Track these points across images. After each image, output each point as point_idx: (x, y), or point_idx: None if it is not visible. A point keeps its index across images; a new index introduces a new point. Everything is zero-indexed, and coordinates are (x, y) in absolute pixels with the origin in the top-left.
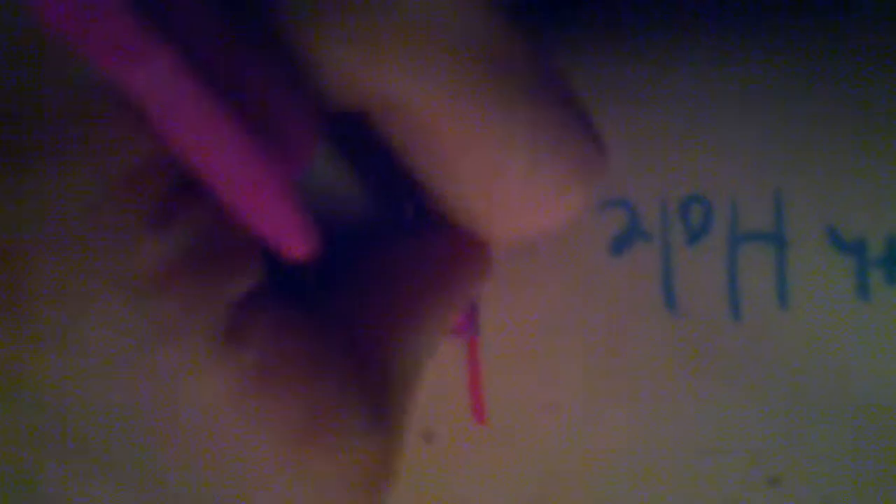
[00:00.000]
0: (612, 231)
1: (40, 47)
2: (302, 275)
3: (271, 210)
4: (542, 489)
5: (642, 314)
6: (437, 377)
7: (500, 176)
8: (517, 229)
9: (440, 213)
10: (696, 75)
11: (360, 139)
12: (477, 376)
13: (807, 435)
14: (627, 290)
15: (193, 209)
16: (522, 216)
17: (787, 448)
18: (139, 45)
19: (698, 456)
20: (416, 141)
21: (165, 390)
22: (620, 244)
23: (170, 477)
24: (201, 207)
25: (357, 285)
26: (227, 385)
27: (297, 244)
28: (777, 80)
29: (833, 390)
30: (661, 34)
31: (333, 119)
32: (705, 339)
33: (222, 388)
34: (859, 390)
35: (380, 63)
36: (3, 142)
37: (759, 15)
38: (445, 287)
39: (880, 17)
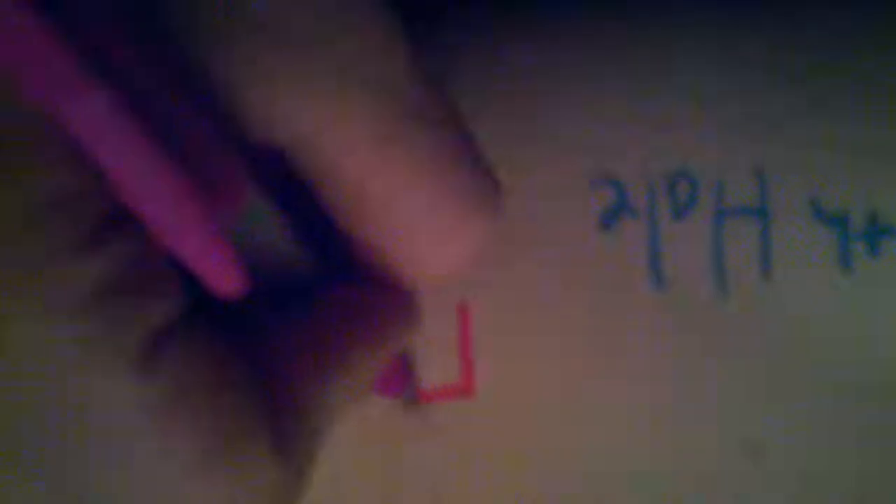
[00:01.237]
0: (600, 208)
1: None
2: (231, 309)
3: (200, 246)
4: (528, 462)
5: (630, 288)
6: (429, 349)
7: (407, 215)
8: (427, 265)
9: (362, 259)
10: (681, 54)
11: (291, 186)
12: (468, 350)
13: (791, 405)
14: (616, 266)
15: (120, 237)
16: (429, 249)
17: (771, 418)
18: (76, 82)
19: (684, 427)
20: (328, 180)
21: (83, 406)
22: (608, 220)
23: (88, 484)
24: (128, 236)
25: (282, 329)
26: (140, 405)
27: (224, 280)
28: (760, 58)
29: (816, 361)
30: (646, 16)
31: (260, 162)
32: (692, 312)
33: (135, 407)
34: (842, 360)
35: (291, 106)
36: None
37: None
38: (369, 335)
39: None
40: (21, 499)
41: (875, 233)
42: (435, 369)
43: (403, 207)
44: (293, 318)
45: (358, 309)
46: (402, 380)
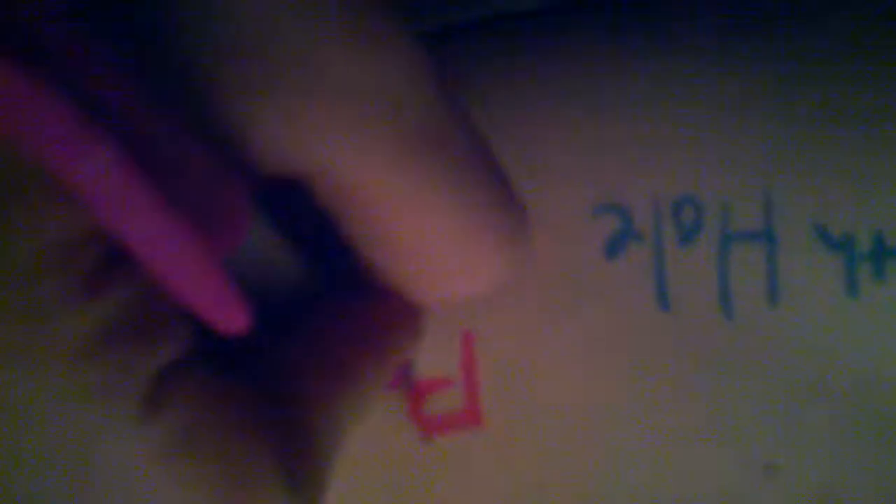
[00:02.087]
0: (606, 233)
1: None
2: (234, 341)
3: (205, 288)
4: (540, 488)
5: (637, 313)
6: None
7: (431, 242)
8: (447, 293)
9: (371, 276)
10: (686, 80)
11: (292, 204)
12: (473, 377)
13: (799, 425)
14: (622, 291)
15: (122, 281)
16: (452, 281)
17: (780, 438)
18: (83, 140)
19: (695, 449)
20: (348, 208)
21: (87, 450)
22: (614, 246)
23: None
24: (130, 279)
25: (288, 351)
26: (148, 448)
27: (230, 320)
28: (764, 83)
29: (823, 383)
30: (652, 41)
31: (266, 186)
32: (699, 337)
33: (143, 451)
34: (848, 382)
35: (311, 135)
36: None
37: (747, 19)
38: (376, 350)
39: (866, 16)
40: None
41: (881, 256)
42: (441, 398)
43: (425, 237)
44: (299, 338)
45: (363, 322)
46: (399, 373)
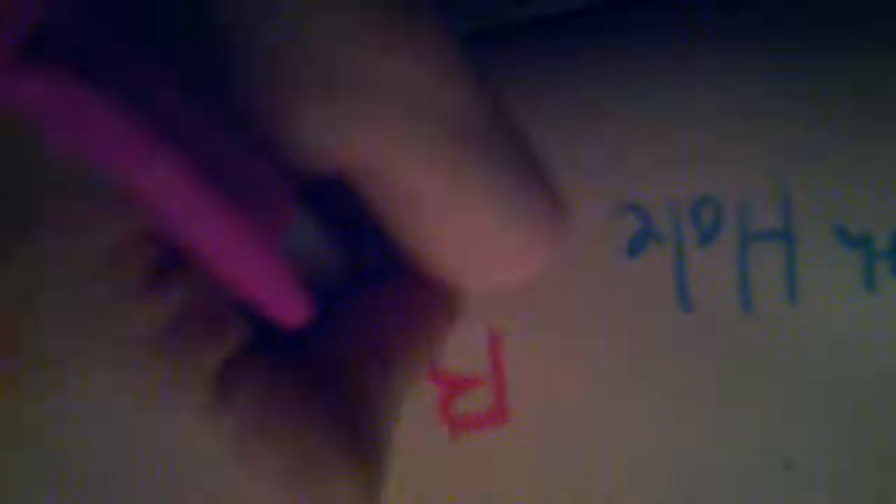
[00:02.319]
0: (627, 234)
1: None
2: (286, 332)
3: (269, 282)
4: (566, 485)
5: (659, 313)
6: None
7: (475, 238)
8: (487, 282)
9: (409, 261)
10: (704, 82)
11: (329, 191)
12: (501, 376)
13: (818, 421)
14: (644, 290)
15: (180, 278)
16: (493, 271)
17: (800, 434)
18: (146, 151)
19: (716, 444)
20: (391, 203)
21: (158, 445)
22: (635, 247)
23: None
24: (187, 276)
25: (333, 339)
26: (218, 441)
27: (292, 312)
28: (781, 83)
29: (842, 379)
30: (669, 42)
31: (309, 179)
32: (720, 335)
33: (212, 443)
34: (867, 378)
35: (356, 134)
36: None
37: (762, 17)
38: (418, 333)
39: (882, 15)
40: None
41: None
42: (469, 397)
43: (469, 232)
44: (342, 324)
45: (403, 305)
46: (429, 370)
